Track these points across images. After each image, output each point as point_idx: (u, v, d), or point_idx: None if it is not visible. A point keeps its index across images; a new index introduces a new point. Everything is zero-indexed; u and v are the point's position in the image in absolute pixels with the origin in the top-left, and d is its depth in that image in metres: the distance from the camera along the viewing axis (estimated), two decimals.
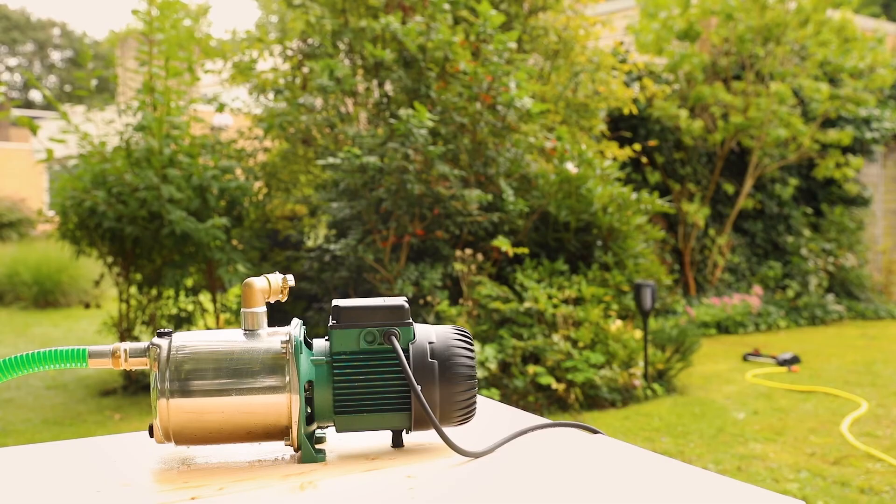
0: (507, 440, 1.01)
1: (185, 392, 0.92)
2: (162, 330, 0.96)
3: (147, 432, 0.98)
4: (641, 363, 5.12)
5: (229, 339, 0.96)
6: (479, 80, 5.16)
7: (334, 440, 1.05)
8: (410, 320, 0.99)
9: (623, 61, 8.13)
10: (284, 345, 0.94)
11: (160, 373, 0.92)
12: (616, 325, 5.17)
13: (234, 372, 0.93)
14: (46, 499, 0.85)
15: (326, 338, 0.99)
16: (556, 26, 6.60)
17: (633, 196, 5.81)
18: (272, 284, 1.02)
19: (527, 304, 4.96)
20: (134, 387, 5.48)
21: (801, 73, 8.58)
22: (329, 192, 5.78)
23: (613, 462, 0.95)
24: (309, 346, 0.99)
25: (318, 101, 5.97)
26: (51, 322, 9.02)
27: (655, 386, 5.10)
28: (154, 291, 5.68)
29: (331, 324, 0.98)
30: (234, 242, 5.72)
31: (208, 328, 5.89)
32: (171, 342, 0.94)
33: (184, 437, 0.94)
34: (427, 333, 1.00)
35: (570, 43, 6.57)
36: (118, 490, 0.87)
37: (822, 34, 8.38)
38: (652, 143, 8.25)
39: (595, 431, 1.07)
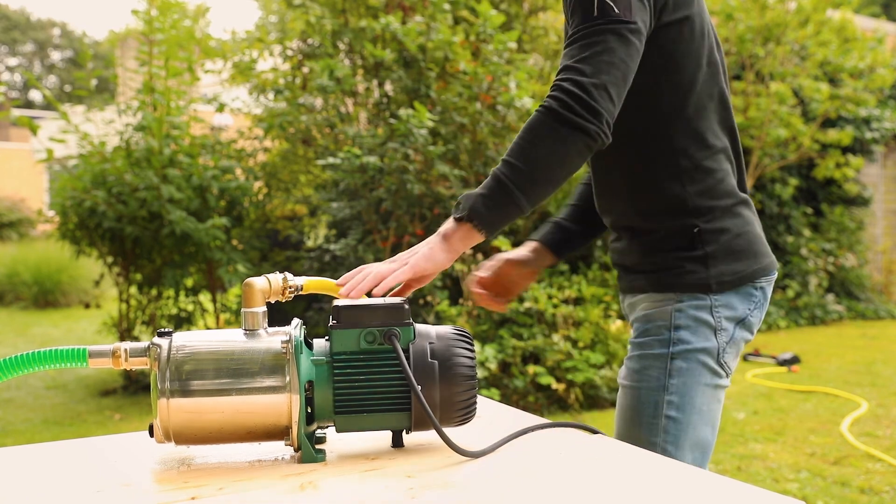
0: (507, 440, 1.01)
1: (186, 392, 0.92)
2: (162, 330, 0.96)
3: (147, 432, 0.98)
4: None
5: (229, 339, 0.96)
6: (479, 80, 5.16)
7: (334, 440, 1.06)
8: (410, 320, 0.99)
9: None
10: (285, 345, 0.94)
11: (160, 373, 0.92)
12: (616, 325, 5.16)
13: (235, 372, 0.93)
14: (46, 499, 0.85)
15: (326, 338, 0.99)
16: (556, 26, 6.60)
17: None
18: (272, 284, 1.02)
19: (527, 304, 4.96)
20: (134, 387, 5.48)
21: (801, 73, 8.58)
22: (329, 192, 5.78)
23: (613, 462, 0.95)
24: (309, 346, 0.99)
25: (318, 101, 5.96)
26: (51, 322, 9.02)
27: None
28: (154, 291, 5.69)
29: (331, 324, 0.98)
30: (234, 242, 5.72)
31: (208, 328, 5.89)
32: (171, 342, 0.94)
33: (184, 436, 0.94)
34: (427, 333, 1.00)
35: None
36: (118, 490, 0.87)
37: (822, 34, 8.37)
38: None
39: (595, 431, 1.07)
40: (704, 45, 1.46)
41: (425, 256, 1.25)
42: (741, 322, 1.49)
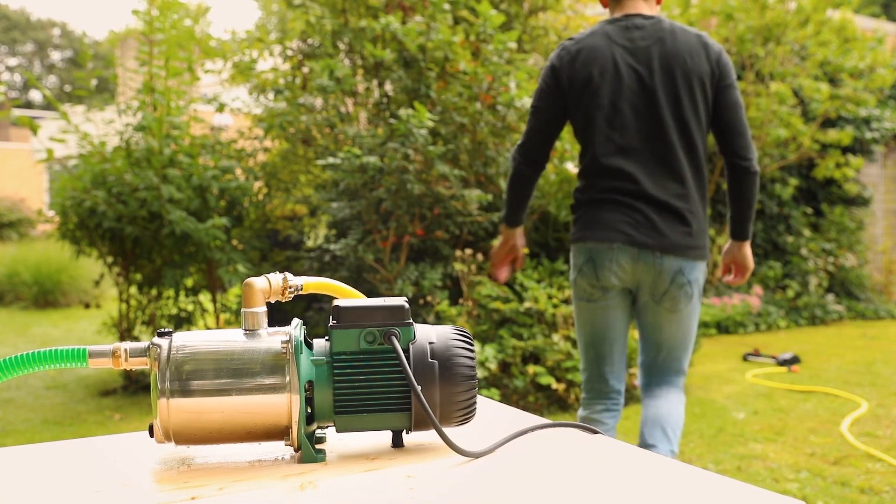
0: (507, 440, 1.01)
1: (186, 392, 0.92)
2: (162, 330, 0.96)
3: (147, 432, 0.98)
4: None
5: (229, 339, 0.96)
6: (479, 80, 5.16)
7: (334, 440, 1.06)
8: (411, 320, 0.98)
9: None
10: (285, 345, 0.94)
11: (160, 372, 0.92)
12: None
13: (235, 372, 0.93)
14: (46, 499, 0.85)
15: (326, 338, 0.99)
16: (556, 26, 6.60)
17: None
18: (272, 284, 1.02)
19: (527, 304, 4.96)
20: (134, 387, 5.48)
21: (801, 73, 8.58)
22: (329, 192, 5.78)
23: (613, 462, 0.95)
24: (309, 346, 0.99)
25: (318, 101, 5.96)
26: (51, 322, 9.02)
27: None
28: (154, 291, 5.69)
29: (331, 324, 0.98)
30: (234, 242, 5.72)
31: (208, 328, 5.89)
32: (171, 342, 0.94)
33: (184, 436, 0.94)
34: (427, 333, 1.00)
35: None
36: (118, 490, 0.87)
37: (822, 34, 8.37)
38: None
39: (595, 431, 1.07)
40: (575, 108, 2.51)
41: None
42: (577, 266, 2.56)
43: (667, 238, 2.42)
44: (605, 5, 2.60)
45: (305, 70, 6.28)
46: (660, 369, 2.59)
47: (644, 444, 2.52)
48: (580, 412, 2.65)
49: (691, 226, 2.45)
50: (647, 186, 2.41)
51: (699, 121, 2.44)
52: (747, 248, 2.65)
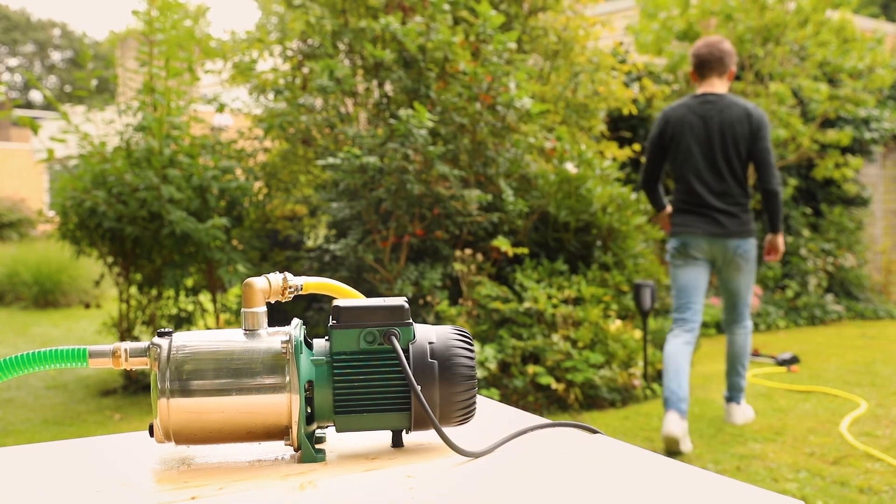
0: (507, 440, 1.01)
1: (186, 392, 0.92)
2: (162, 330, 0.96)
3: (147, 432, 0.98)
4: (641, 363, 5.13)
5: (230, 339, 0.96)
6: (479, 80, 5.16)
7: (334, 440, 1.06)
8: (410, 320, 0.99)
9: (623, 62, 8.13)
10: (285, 345, 0.94)
11: (160, 372, 0.92)
12: (616, 325, 5.17)
13: (235, 372, 0.93)
14: (46, 499, 0.85)
15: (326, 338, 0.99)
16: (556, 26, 6.60)
17: (633, 196, 5.81)
18: (272, 284, 1.02)
19: (526, 304, 4.96)
20: (134, 387, 5.49)
21: (801, 74, 8.58)
22: (329, 192, 5.78)
23: (613, 462, 0.96)
24: (309, 346, 0.99)
25: (318, 102, 5.96)
26: (51, 322, 9.02)
27: (655, 386, 5.10)
28: (154, 291, 5.69)
29: (331, 324, 0.98)
30: (234, 242, 5.72)
31: (208, 328, 5.89)
32: (171, 342, 0.94)
33: (184, 436, 0.94)
34: (427, 333, 1.00)
35: (569, 43, 6.57)
36: (118, 490, 0.87)
37: (822, 34, 8.37)
38: None
39: (595, 431, 1.07)
40: (669, 152, 4.16)
41: None
42: (675, 247, 4.15)
43: (726, 228, 4.05)
44: (694, 81, 4.19)
45: (305, 70, 6.28)
46: (735, 308, 4.24)
47: (727, 374, 4.36)
48: (670, 335, 4.11)
49: (740, 218, 4.08)
50: (710, 200, 4.05)
51: (741, 161, 4.07)
52: (780, 238, 4.25)
